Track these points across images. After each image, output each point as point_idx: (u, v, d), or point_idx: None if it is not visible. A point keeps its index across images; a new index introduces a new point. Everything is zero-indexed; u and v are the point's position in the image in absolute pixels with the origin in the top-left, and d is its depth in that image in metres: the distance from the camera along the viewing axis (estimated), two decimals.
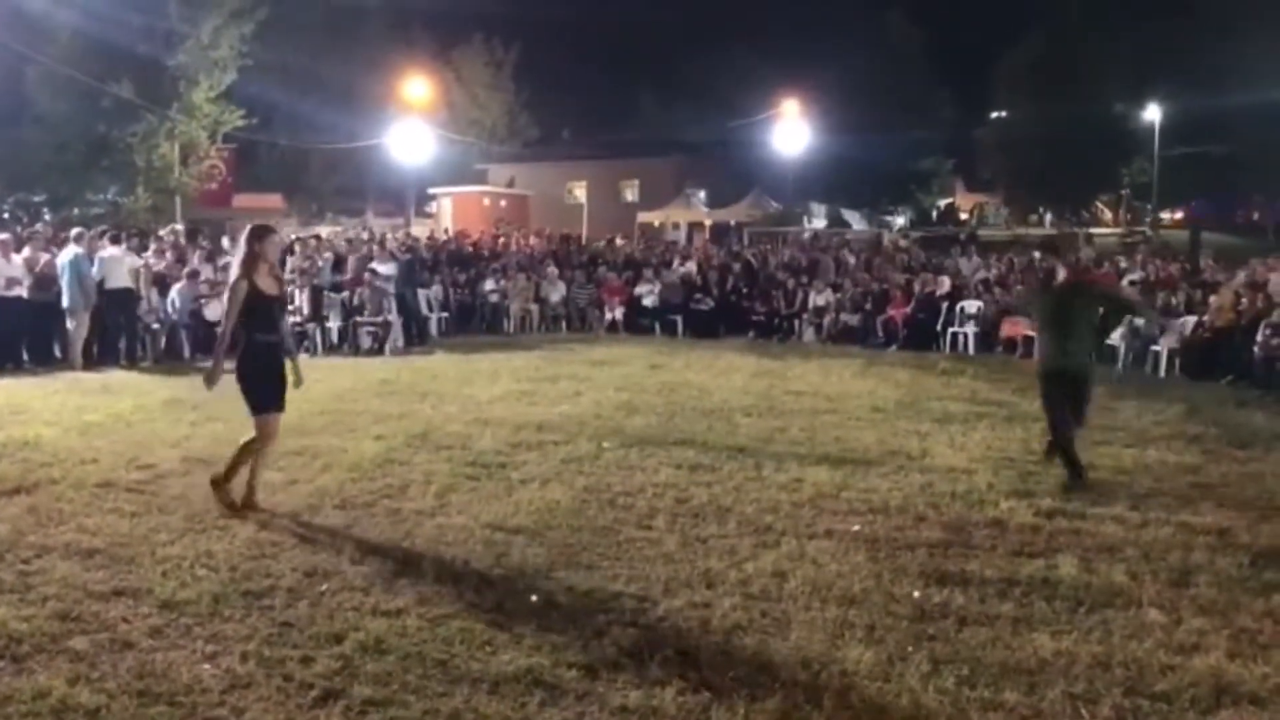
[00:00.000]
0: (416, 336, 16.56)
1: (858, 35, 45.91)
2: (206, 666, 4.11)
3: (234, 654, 4.22)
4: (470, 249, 21.88)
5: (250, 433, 6.28)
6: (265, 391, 6.21)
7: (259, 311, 6.15)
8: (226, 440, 8.38)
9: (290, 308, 15.49)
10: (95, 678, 4.00)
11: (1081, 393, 7.44)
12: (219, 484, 6.33)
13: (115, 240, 14.22)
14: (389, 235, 22.34)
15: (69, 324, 13.16)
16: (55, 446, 8.05)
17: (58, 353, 13.53)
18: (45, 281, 13.27)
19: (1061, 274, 7.94)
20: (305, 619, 4.61)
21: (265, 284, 6.20)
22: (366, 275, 16.17)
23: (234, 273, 6.23)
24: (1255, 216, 45.93)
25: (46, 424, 9.00)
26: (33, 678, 3.98)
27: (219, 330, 6.34)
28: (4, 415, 9.40)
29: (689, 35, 58.90)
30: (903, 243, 27.15)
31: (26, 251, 13.71)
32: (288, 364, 6.42)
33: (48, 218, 24.87)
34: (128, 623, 4.54)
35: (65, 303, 13.04)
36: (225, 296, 6.35)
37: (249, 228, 6.38)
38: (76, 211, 26.71)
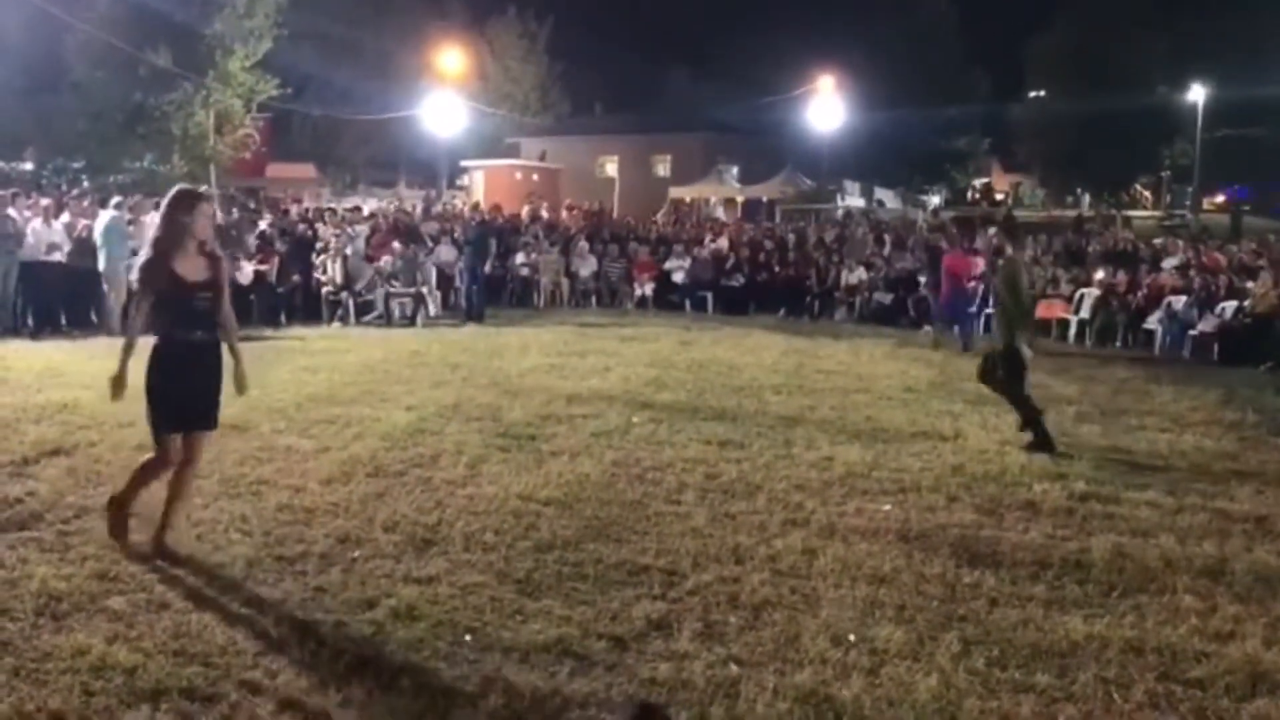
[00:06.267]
0: (475, 313, 16.13)
1: (890, 12, 45.12)
2: (240, 629, 4.16)
3: (268, 618, 4.27)
4: (505, 222, 21.82)
5: None
6: None
7: None
8: (260, 406, 8.50)
9: (324, 277, 15.62)
10: (133, 637, 4.06)
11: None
12: None
13: (158, 208, 14.31)
14: (445, 206, 22.25)
15: (106, 289, 13.30)
16: (93, 410, 8.14)
17: (94, 318, 13.69)
18: (85, 247, 13.41)
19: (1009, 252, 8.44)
20: (338, 585, 4.66)
21: None
22: (402, 248, 16.23)
23: None
24: None
25: (84, 387, 9.09)
26: (72, 635, 4.04)
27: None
28: (43, 378, 9.54)
29: (721, 11, 58.49)
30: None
31: (66, 217, 13.85)
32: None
33: (85, 184, 25.13)
34: (164, 584, 4.60)
35: (101, 267, 13.17)
36: None
37: None
38: (113, 179, 26.96)
